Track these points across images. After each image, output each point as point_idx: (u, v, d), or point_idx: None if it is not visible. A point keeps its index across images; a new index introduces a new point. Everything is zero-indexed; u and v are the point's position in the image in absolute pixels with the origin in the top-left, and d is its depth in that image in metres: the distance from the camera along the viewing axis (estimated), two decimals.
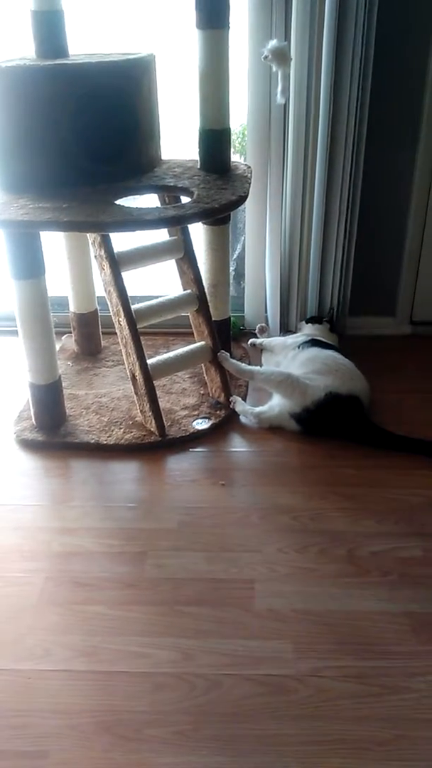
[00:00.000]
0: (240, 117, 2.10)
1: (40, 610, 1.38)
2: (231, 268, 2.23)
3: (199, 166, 1.90)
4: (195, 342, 1.96)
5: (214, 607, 1.38)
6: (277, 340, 2.11)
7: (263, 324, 2.24)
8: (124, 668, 1.26)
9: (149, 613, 1.37)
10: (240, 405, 1.92)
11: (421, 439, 1.78)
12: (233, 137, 1.95)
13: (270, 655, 1.28)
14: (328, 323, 2.16)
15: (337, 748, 1.13)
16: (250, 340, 2.21)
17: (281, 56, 1.85)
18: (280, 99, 1.92)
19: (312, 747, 1.13)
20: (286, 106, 1.98)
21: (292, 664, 1.26)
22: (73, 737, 1.15)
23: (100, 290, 1.90)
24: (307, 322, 2.18)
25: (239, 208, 1.81)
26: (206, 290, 1.94)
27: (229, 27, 1.73)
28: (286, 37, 1.91)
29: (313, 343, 1.98)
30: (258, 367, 1.94)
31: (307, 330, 2.13)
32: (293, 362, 1.95)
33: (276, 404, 1.88)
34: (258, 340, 2.18)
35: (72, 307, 2.19)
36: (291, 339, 2.05)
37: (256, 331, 2.22)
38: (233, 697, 1.21)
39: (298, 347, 1.97)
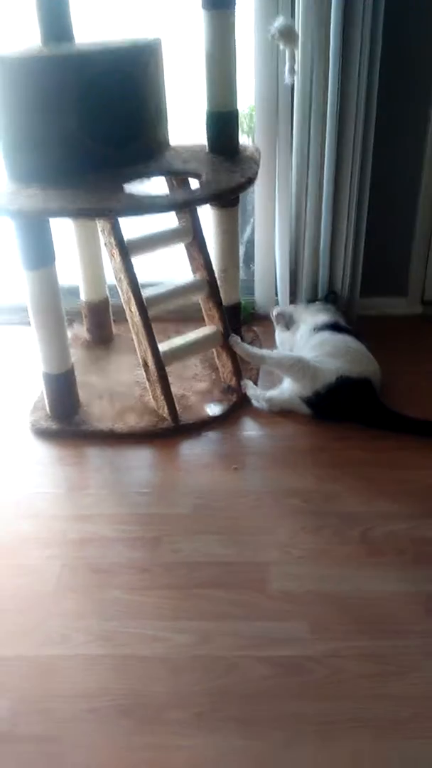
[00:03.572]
0: (248, 98, 2.08)
1: (57, 597, 1.39)
2: (240, 252, 2.21)
3: (207, 149, 1.88)
4: (206, 327, 1.95)
5: (230, 590, 1.39)
6: (303, 311, 2.07)
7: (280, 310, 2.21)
8: (141, 652, 1.28)
9: (165, 597, 1.38)
10: (251, 389, 1.92)
11: None
12: (241, 119, 1.93)
13: (286, 636, 1.29)
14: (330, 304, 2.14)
15: (355, 726, 1.14)
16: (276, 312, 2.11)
17: (288, 34, 1.82)
18: (288, 79, 1.90)
19: (330, 726, 1.15)
20: (294, 86, 1.95)
21: (309, 645, 1.27)
22: (93, 721, 1.17)
23: (110, 278, 1.90)
24: (310, 302, 2.15)
25: (248, 190, 1.80)
26: (216, 275, 1.93)
27: (234, 6, 1.71)
28: (293, 14, 1.88)
29: (329, 326, 1.96)
30: (269, 351, 1.93)
31: (314, 309, 2.10)
32: (306, 345, 1.94)
33: (287, 388, 1.87)
34: (288, 309, 2.11)
35: (83, 296, 2.19)
36: (312, 318, 2.02)
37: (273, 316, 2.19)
38: (251, 678, 1.22)
39: (314, 329, 1.96)
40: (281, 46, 1.86)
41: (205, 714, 1.17)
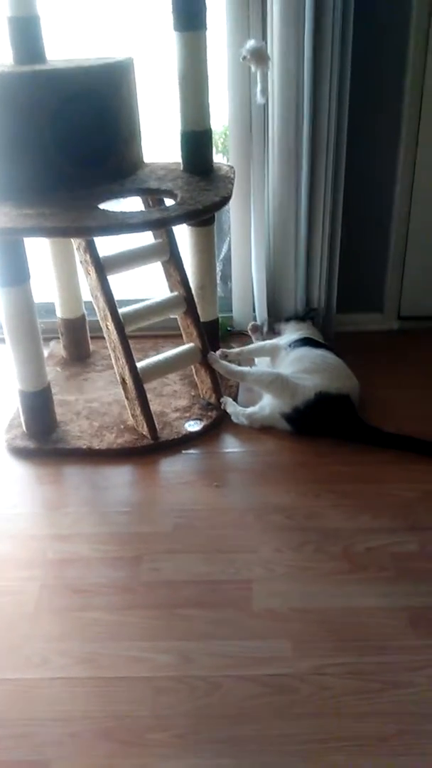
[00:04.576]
0: (222, 117, 2.10)
1: (36, 619, 1.37)
2: (217, 269, 2.22)
3: (181, 168, 1.90)
4: (184, 344, 1.95)
5: (212, 609, 1.37)
6: (268, 344, 2.05)
7: (255, 323, 2.22)
8: (123, 673, 1.26)
9: (147, 617, 1.36)
10: (231, 406, 1.91)
11: (411, 437, 1.77)
12: (216, 138, 1.94)
13: (270, 654, 1.28)
14: (310, 320, 2.16)
15: (340, 745, 1.13)
16: (220, 350, 1.98)
17: (259, 56, 1.86)
18: (260, 99, 1.92)
19: (315, 745, 1.13)
20: (266, 106, 1.98)
21: (293, 663, 1.26)
22: (75, 745, 1.14)
23: (86, 295, 1.89)
24: (287, 321, 2.16)
25: (224, 208, 1.81)
26: (193, 292, 1.93)
27: (206, 28, 1.73)
28: (264, 37, 1.91)
29: (305, 342, 1.97)
30: (248, 368, 1.93)
31: (291, 328, 2.11)
32: (283, 361, 1.94)
33: (267, 404, 1.87)
34: (236, 350, 2.01)
35: (59, 313, 2.18)
36: (284, 339, 2.03)
37: (249, 329, 2.20)
38: (234, 698, 1.21)
39: (290, 346, 1.97)
40: (253, 68, 1.89)
41: (188, 735, 1.15)
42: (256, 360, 2.11)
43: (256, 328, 2.18)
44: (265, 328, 2.19)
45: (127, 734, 1.16)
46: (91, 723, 1.18)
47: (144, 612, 1.37)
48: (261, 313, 2.27)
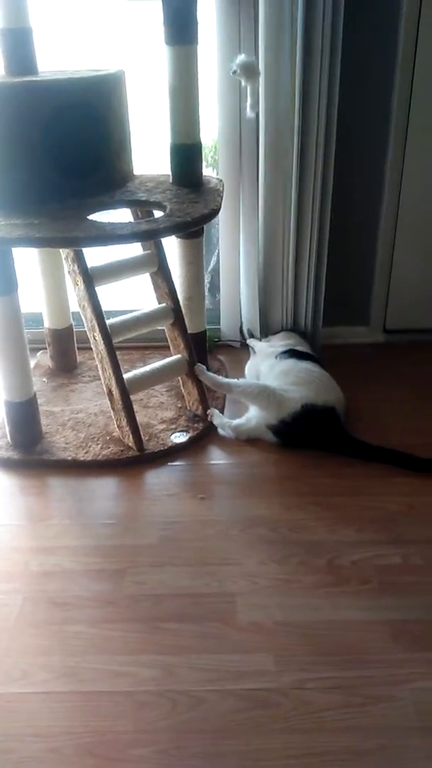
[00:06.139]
0: (212, 131, 2.12)
1: (17, 632, 1.35)
2: (206, 281, 2.23)
3: (171, 181, 1.91)
4: (171, 355, 1.95)
5: (196, 623, 1.37)
6: (261, 345, 2.12)
7: (249, 329, 2.24)
8: (104, 688, 1.25)
9: (130, 630, 1.36)
10: (217, 418, 1.92)
11: (395, 450, 1.78)
12: (206, 151, 1.95)
13: (252, 668, 1.27)
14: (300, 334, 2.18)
15: (322, 760, 1.13)
16: (250, 340, 2.22)
17: (250, 71, 1.87)
18: (250, 113, 1.94)
19: (297, 760, 1.13)
20: (256, 120, 2.00)
21: (275, 677, 1.26)
22: (55, 761, 1.13)
23: (74, 306, 1.89)
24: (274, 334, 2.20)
25: (212, 221, 1.82)
26: (181, 303, 1.94)
27: (197, 43, 1.74)
28: (255, 51, 1.93)
29: (292, 353, 1.98)
30: (234, 380, 1.94)
31: (279, 339, 2.13)
32: (270, 373, 1.95)
33: (253, 416, 1.88)
34: (254, 341, 2.19)
35: (47, 323, 2.17)
36: (272, 348, 2.05)
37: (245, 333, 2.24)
38: (216, 713, 1.20)
39: (277, 357, 1.98)
40: (243, 82, 1.91)
41: (170, 750, 1.15)
42: (246, 371, 2.11)
43: (251, 335, 2.22)
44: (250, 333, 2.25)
45: (108, 749, 1.15)
46: (71, 738, 1.17)
47: (126, 625, 1.37)
48: (249, 326, 2.29)
